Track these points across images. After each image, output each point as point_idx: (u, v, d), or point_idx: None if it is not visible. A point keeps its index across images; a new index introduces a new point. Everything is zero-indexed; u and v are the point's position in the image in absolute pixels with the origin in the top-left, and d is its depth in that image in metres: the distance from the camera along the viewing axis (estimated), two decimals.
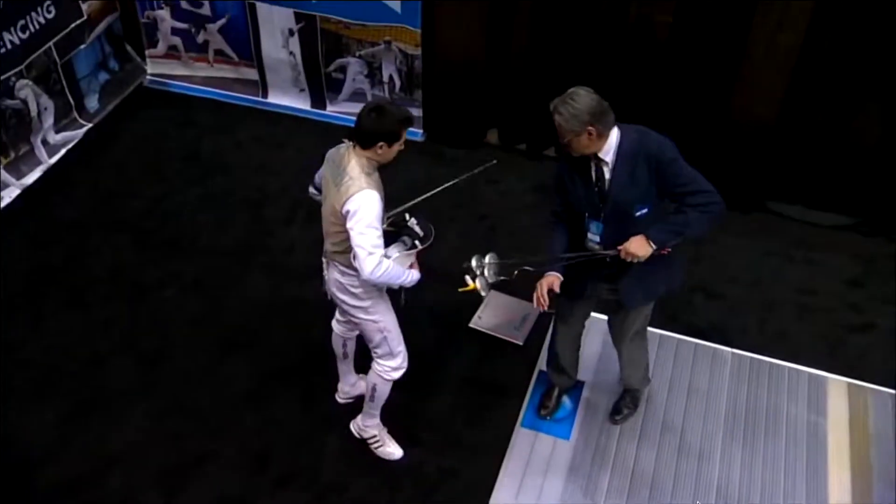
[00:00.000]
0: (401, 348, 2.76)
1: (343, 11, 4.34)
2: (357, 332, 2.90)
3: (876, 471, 2.86)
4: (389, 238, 2.53)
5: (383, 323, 2.69)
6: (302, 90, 4.90)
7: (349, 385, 3.13)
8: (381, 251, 2.42)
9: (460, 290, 2.74)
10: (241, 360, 3.30)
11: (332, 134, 4.80)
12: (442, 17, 4.26)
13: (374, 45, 4.47)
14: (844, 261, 3.88)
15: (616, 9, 3.92)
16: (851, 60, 3.66)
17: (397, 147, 2.47)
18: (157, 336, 3.39)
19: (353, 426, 3.02)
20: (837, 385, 3.20)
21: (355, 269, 2.49)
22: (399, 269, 2.49)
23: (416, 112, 4.73)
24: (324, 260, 2.71)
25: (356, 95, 4.81)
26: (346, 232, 2.45)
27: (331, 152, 2.57)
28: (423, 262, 2.67)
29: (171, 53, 4.89)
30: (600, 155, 2.47)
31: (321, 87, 4.83)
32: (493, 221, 4.06)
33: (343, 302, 2.68)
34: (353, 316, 2.70)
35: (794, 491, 2.79)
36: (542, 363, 3.26)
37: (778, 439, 2.99)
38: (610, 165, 2.47)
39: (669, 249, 2.52)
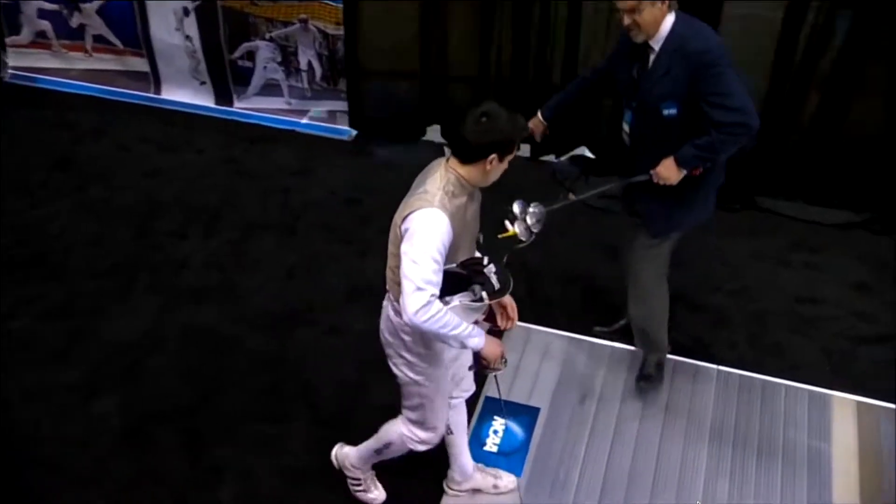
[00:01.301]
0: (438, 424, 2.64)
1: None
2: (467, 395, 2.77)
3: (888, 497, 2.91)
4: (456, 282, 2.36)
5: (427, 390, 2.55)
6: (203, 83, 4.96)
7: (460, 474, 2.91)
8: (434, 290, 2.25)
9: (500, 235, 2.76)
10: (113, 400, 3.24)
11: (241, 132, 4.97)
12: None
13: (288, 24, 4.58)
14: (851, 263, 4.00)
15: None
16: (845, 35, 3.85)
17: (508, 160, 2.36)
18: (3, 375, 3.31)
19: (335, 455, 2.91)
20: (844, 404, 3.26)
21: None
22: (454, 319, 2.28)
23: (342, 105, 4.83)
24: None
25: (269, 88, 4.89)
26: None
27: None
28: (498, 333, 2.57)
29: (39, 42, 4.93)
30: (651, 42, 2.73)
31: (226, 78, 4.90)
32: None
33: (388, 345, 2.54)
34: (397, 367, 2.56)
35: None
36: (487, 389, 3.27)
37: (773, 469, 3.02)
38: (655, 54, 2.74)
39: (700, 171, 2.82)
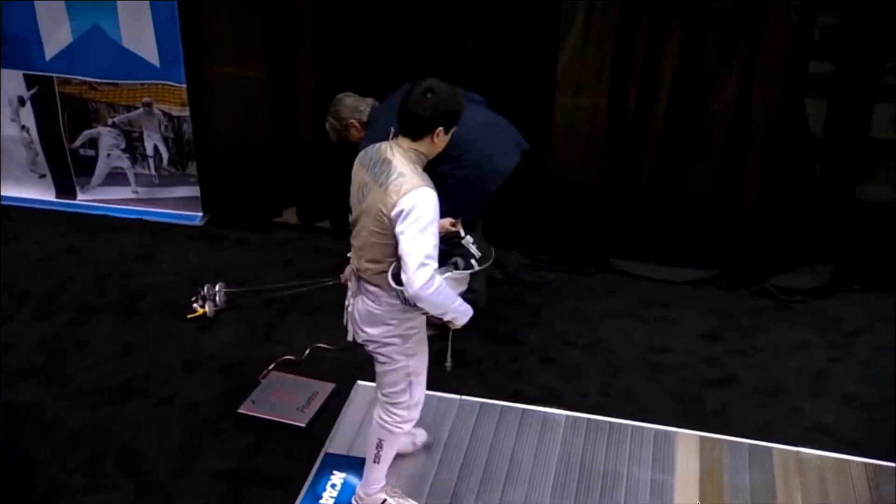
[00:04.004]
0: (421, 396, 2.96)
1: (86, 69, 4.81)
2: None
3: None
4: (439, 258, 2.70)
5: (414, 365, 2.87)
6: (42, 175, 5.20)
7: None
8: (436, 264, 2.59)
9: (189, 316, 4.09)
10: None
11: (84, 223, 5.14)
12: (212, 70, 4.83)
13: (131, 108, 4.93)
14: (701, 316, 4.47)
15: (412, 60, 4.65)
16: (664, 114, 4.53)
17: (451, 132, 2.73)
18: None
19: (354, 499, 3.17)
20: (688, 440, 3.60)
21: (393, 292, 2.67)
22: (451, 292, 2.66)
23: (192, 191, 5.13)
24: (349, 286, 2.90)
25: (115, 177, 5.17)
26: (390, 244, 2.63)
27: (363, 154, 2.78)
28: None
29: None
30: None
31: (67, 169, 5.16)
32: (282, 305, 4.37)
33: (371, 339, 2.83)
34: (382, 355, 2.85)
35: None
36: (329, 445, 3.46)
37: (616, 502, 3.29)
38: None
39: None
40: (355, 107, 3.91)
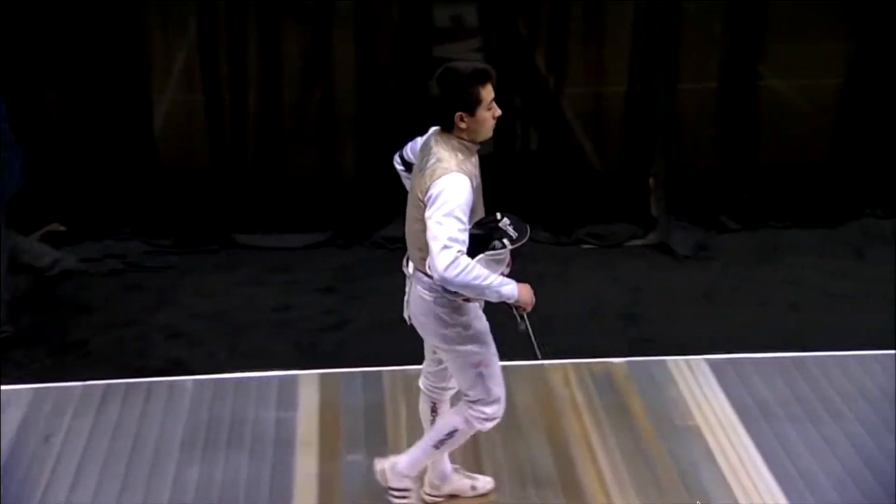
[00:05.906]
0: (499, 391, 2.85)
1: None
2: (453, 388, 2.98)
3: (343, 440, 3.55)
4: (477, 243, 2.60)
5: (480, 356, 2.76)
6: None
7: (439, 477, 3.12)
8: (461, 247, 2.50)
9: None
10: None
11: None
12: None
13: None
14: (319, 275, 4.85)
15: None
16: (256, 101, 4.95)
17: (485, 113, 2.58)
18: None
19: (381, 471, 3.02)
20: (309, 379, 3.91)
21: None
22: (484, 270, 2.54)
23: None
24: (406, 273, 2.80)
25: None
26: None
27: (424, 141, 2.72)
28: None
29: None
30: None
31: None
32: None
33: (423, 327, 2.77)
34: (440, 346, 2.78)
35: (259, 484, 3.29)
36: None
37: (241, 446, 3.48)
38: None
39: None
40: None
